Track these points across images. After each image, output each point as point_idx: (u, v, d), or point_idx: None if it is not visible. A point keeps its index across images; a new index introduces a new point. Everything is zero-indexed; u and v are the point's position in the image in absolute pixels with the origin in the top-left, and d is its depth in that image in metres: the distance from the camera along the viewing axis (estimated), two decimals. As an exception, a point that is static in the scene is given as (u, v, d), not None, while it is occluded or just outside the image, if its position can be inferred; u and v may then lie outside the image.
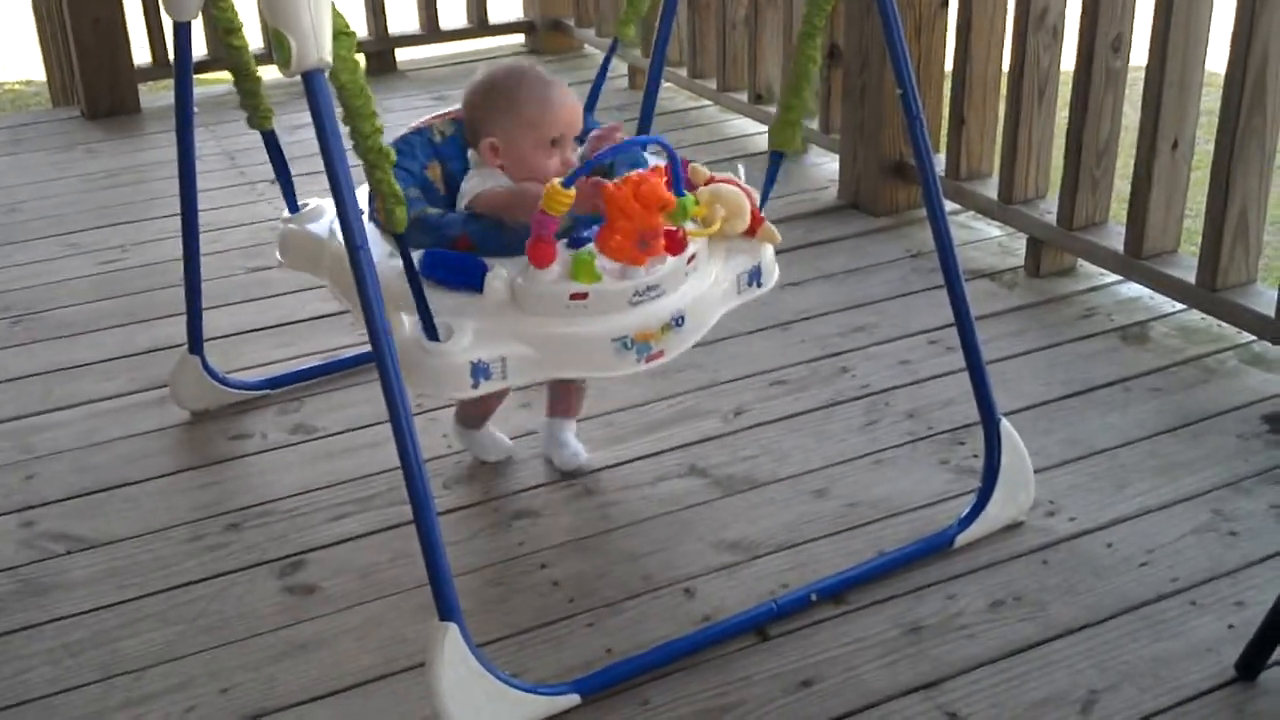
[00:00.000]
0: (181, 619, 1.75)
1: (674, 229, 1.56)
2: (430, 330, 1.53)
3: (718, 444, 2.11)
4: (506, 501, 1.97)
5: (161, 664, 1.67)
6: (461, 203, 1.72)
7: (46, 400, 2.34)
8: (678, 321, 1.59)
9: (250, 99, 1.95)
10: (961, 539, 1.81)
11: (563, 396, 2.03)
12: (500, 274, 1.54)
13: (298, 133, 3.48)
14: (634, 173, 1.51)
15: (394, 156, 1.46)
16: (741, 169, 1.72)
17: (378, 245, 1.65)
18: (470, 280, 1.55)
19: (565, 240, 1.57)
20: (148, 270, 2.88)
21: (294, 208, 1.97)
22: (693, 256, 1.62)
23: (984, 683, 1.59)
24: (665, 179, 1.53)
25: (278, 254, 1.94)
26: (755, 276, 1.72)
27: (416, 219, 1.61)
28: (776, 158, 1.79)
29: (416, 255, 1.57)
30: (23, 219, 3.23)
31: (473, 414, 2.02)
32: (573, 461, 2.03)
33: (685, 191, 1.58)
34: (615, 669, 1.61)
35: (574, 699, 1.56)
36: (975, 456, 2.00)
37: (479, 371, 1.52)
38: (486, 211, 1.66)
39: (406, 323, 1.55)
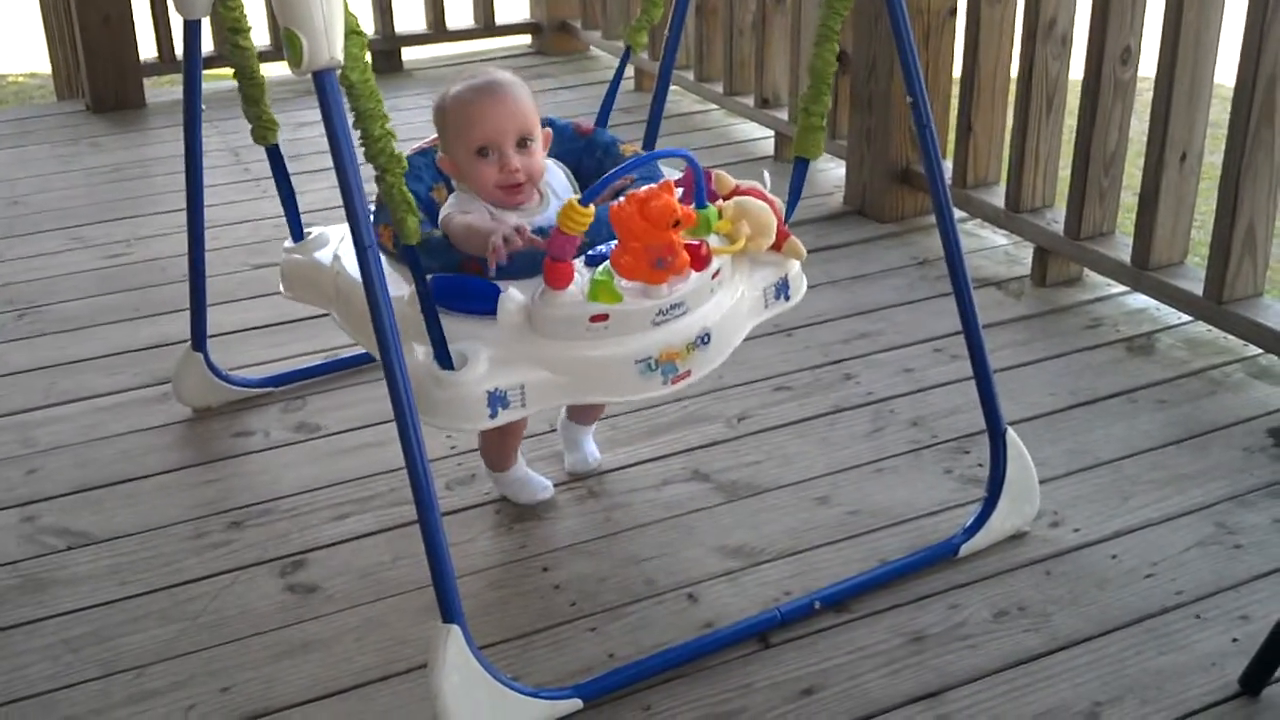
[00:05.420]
0: (183, 616, 1.75)
1: (697, 243, 1.50)
2: (444, 358, 1.46)
3: (722, 449, 2.10)
4: (508, 504, 1.97)
5: (162, 661, 1.67)
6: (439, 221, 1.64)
7: (49, 394, 2.34)
8: (704, 340, 1.52)
9: (252, 107, 1.91)
10: (966, 549, 1.81)
11: (586, 406, 1.99)
12: (514, 297, 1.47)
13: (302, 130, 3.51)
14: (642, 189, 1.44)
15: (405, 162, 1.41)
16: (767, 176, 1.67)
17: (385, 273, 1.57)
18: (483, 305, 1.48)
19: (582, 259, 1.51)
20: (151, 265, 2.88)
21: (298, 235, 1.91)
22: (717, 272, 1.54)
23: (986, 694, 1.58)
24: (679, 192, 1.47)
25: (281, 286, 1.89)
26: (783, 290, 1.66)
27: (424, 241, 1.53)
28: (802, 165, 1.73)
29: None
30: (26, 212, 3.23)
31: (494, 453, 1.92)
32: (584, 465, 2.03)
33: (708, 203, 1.52)
34: (617, 674, 1.61)
35: (575, 704, 1.55)
36: (980, 466, 2.00)
37: (496, 400, 1.45)
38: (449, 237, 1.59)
39: (419, 351, 1.48)
